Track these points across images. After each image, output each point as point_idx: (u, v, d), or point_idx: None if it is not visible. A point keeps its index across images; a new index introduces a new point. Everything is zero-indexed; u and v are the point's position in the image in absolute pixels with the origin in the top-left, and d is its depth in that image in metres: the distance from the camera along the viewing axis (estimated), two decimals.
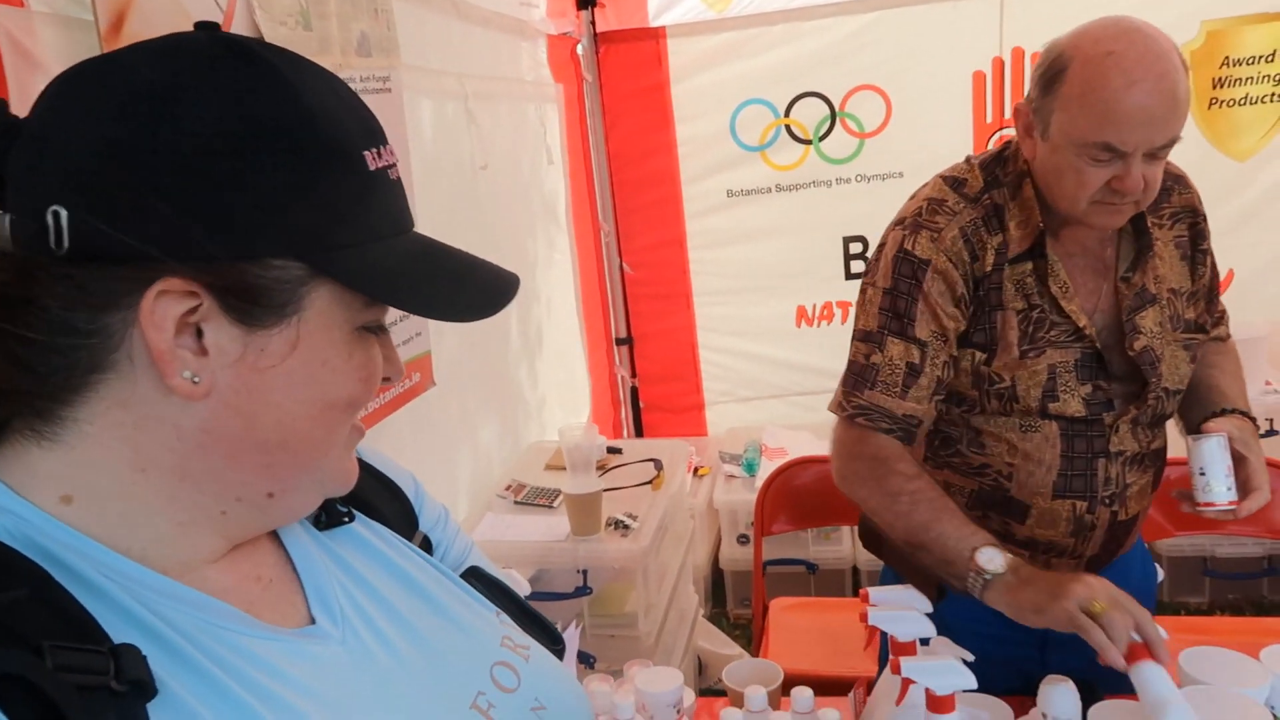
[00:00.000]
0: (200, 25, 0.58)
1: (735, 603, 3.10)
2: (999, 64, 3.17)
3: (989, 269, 1.32)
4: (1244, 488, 1.25)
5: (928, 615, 1.19)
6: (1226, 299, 1.50)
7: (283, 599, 0.63)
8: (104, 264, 0.52)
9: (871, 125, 3.29)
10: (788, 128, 3.33)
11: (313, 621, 0.62)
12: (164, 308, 0.53)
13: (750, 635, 2.27)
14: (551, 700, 0.71)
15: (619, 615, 2.05)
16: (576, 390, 3.32)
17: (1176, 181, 1.38)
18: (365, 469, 0.76)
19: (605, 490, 2.09)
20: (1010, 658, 1.30)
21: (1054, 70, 1.24)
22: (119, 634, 0.51)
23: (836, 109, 3.29)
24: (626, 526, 2.06)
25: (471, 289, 0.63)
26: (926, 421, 1.36)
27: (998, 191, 1.34)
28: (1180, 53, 1.21)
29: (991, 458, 1.38)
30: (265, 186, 0.53)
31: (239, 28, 1.44)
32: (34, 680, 0.45)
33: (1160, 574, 1.57)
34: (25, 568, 0.51)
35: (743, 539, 2.99)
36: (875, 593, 1.24)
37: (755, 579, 2.26)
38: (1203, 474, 1.26)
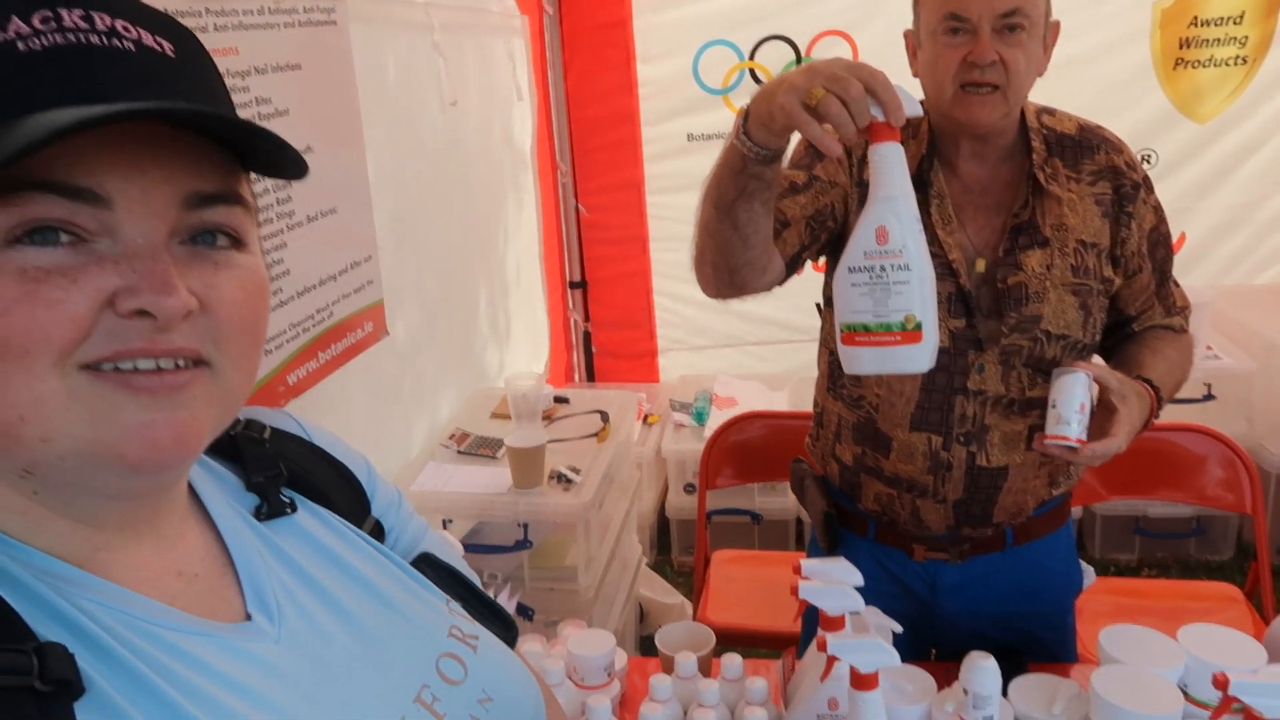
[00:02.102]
0: None
1: (680, 550, 3.13)
2: None
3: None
4: (1101, 434, 1.24)
5: (858, 589, 1.20)
6: (1175, 262, 1.48)
7: (213, 593, 0.60)
8: None
9: None
10: (752, 71, 3.25)
11: (248, 618, 0.59)
12: None
13: (694, 582, 2.29)
14: (499, 691, 0.69)
15: (559, 568, 2.04)
16: (537, 335, 3.28)
17: (1105, 143, 1.40)
18: (316, 453, 0.74)
19: (549, 442, 2.07)
20: (897, 612, 1.32)
21: None
22: (44, 630, 0.48)
23: (802, 54, 3.22)
24: (569, 480, 2.04)
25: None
26: (784, 239, 1.35)
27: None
28: None
29: (865, 389, 1.44)
30: None
31: None
32: None
33: (1091, 577, 1.57)
34: None
35: (689, 488, 3.00)
36: (807, 565, 1.24)
37: (698, 532, 2.27)
38: (1054, 406, 1.25)
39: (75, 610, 0.50)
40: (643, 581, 2.65)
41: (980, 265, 1.36)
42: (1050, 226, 1.35)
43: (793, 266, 1.38)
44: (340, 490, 0.74)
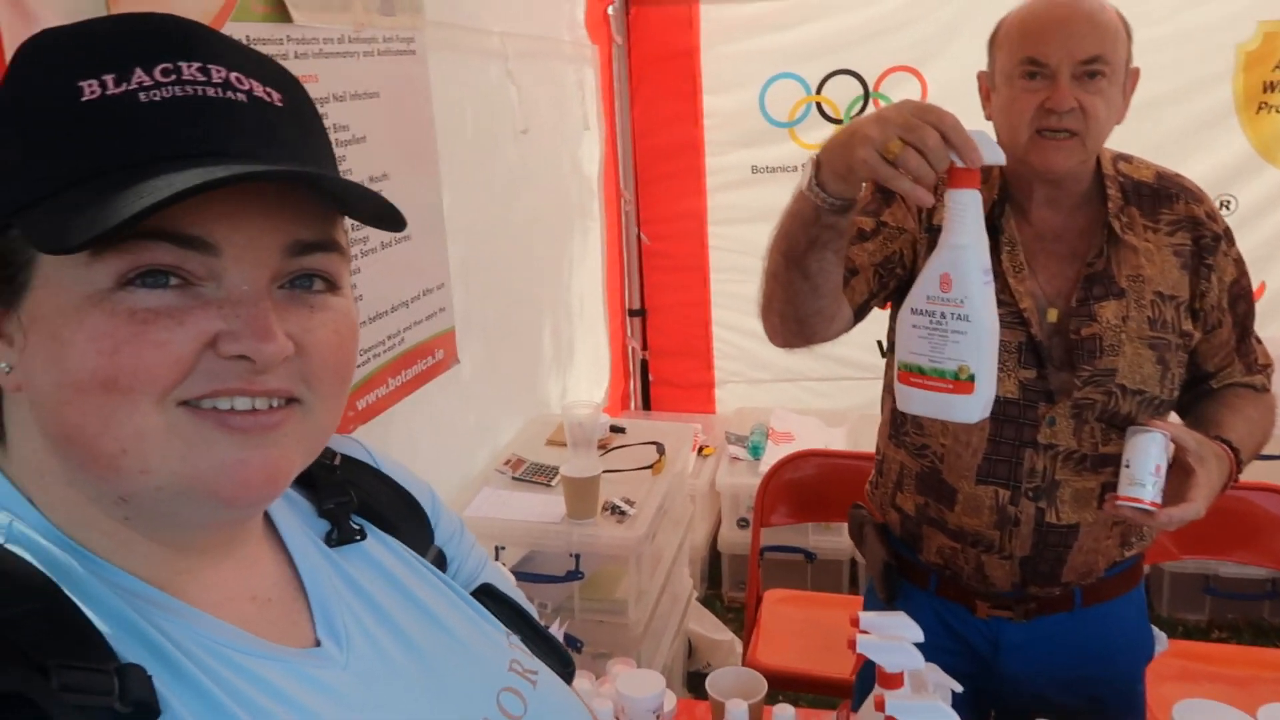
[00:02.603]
0: None
1: (731, 585, 3.09)
2: None
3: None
4: (1177, 497, 1.20)
5: (917, 645, 1.17)
6: (1255, 312, 1.42)
7: (285, 619, 0.61)
8: None
9: None
10: (819, 105, 3.24)
11: (318, 644, 0.60)
12: None
13: (744, 620, 2.26)
14: None
15: (609, 601, 2.03)
16: (599, 362, 3.30)
17: (1184, 191, 1.36)
18: (384, 481, 0.75)
19: (604, 472, 2.07)
20: (956, 669, 1.28)
21: (994, 30, 1.34)
22: (124, 649, 0.50)
23: (870, 89, 3.20)
24: (623, 512, 2.03)
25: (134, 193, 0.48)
26: (852, 287, 1.35)
27: None
28: (1119, 11, 1.28)
29: (929, 438, 1.41)
30: None
31: None
32: (36, 700, 0.44)
33: (1164, 643, 1.51)
34: (37, 580, 0.49)
35: (742, 522, 2.97)
36: (865, 618, 1.21)
37: (751, 570, 2.25)
38: (1127, 466, 1.22)
39: (155, 631, 0.51)
40: (692, 616, 2.63)
41: (1052, 315, 1.33)
42: (1126, 277, 1.31)
43: (860, 314, 1.37)
44: (406, 519, 0.74)
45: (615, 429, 2.50)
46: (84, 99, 0.50)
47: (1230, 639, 2.80)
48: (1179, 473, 1.22)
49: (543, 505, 2.05)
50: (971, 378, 1.04)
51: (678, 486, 2.43)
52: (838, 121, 3.24)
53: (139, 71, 0.50)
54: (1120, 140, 1.37)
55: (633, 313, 3.53)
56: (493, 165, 2.31)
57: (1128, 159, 1.38)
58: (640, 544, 1.98)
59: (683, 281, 3.48)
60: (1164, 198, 1.34)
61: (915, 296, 1.07)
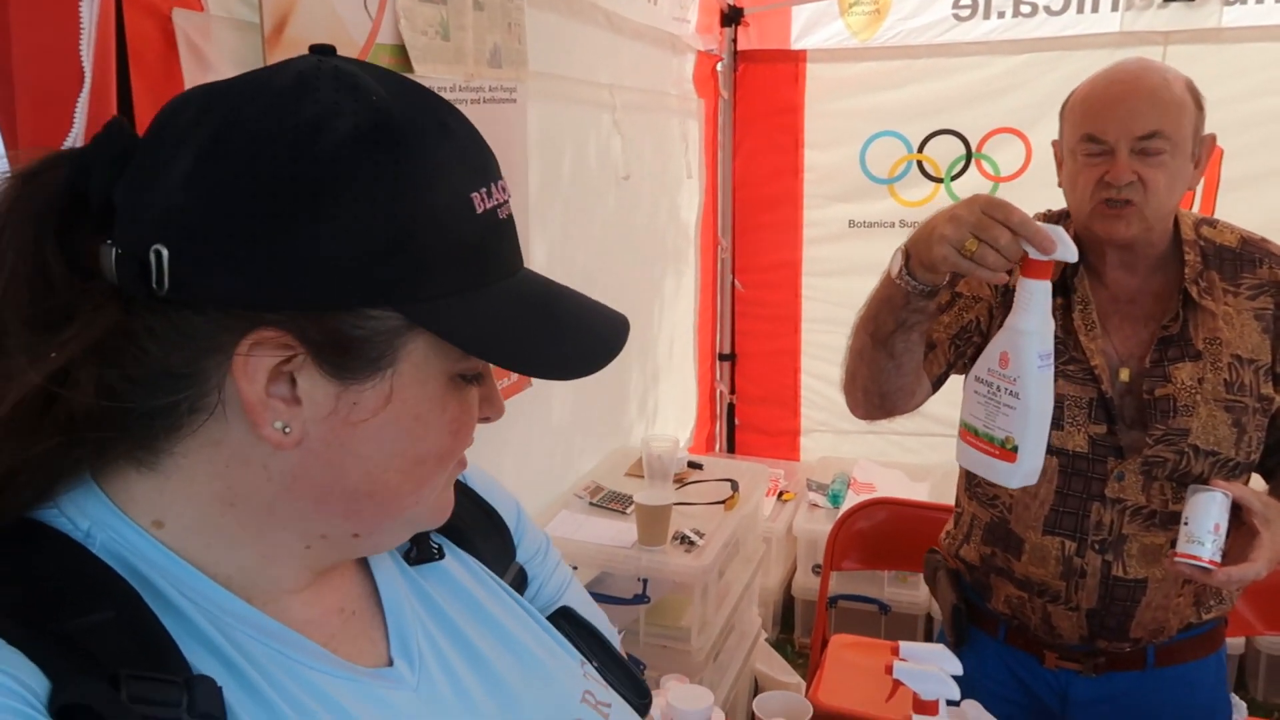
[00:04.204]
0: (315, 49, 0.55)
1: (802, 631, 3.10)
2: None
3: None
4: (1239, 558, 1.20)
5: (955, 678, 1.20)
6: None
7: (362, 635, 0.62)
8: (201, 309, 0.51)
9: (1008, 169, 3.20)
10: (919, 164, 3.28)
11: (390, 663, 0.61)
12: (257, 359, 0.51)
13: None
14: None
15: (674, 627, 2.09)
16: (685, 403, 3.37)
17: (1269, 256, 1.37)
18: (467, 495, 0.76)
19: (676, 504, 2.14)
20: None
21: (1064, 103, 1.38)
22: (197, 660, 0.51)
23: (973, 149, 3.23)
24: (691, 542, 2.10)
25: (577, 342, 0.59)
26: (930, 360, 1.40)
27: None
28: (1189, 83, 1.31)
29: (999, 489, 1.44)
30: (361, 234, 0.50)
31: (384, 36, 1.56)
32: (100, 711, 0.45)
33: (1243, 711, 1.47)
34: (117, 587, 0.51)
35: (817, 569, 2.97)
36: (906, 647, 1.25)
37: (818, 613, 2.27)
38: (1186, 524, 1.23)
39: (228, 642, 0.53)
40: (760, 656, 2.65)
41: (1124, 374, 1.35)
42: (1203, 340, 1.32)
43: (938, 385, 1.43)
44: (487, 537, 0.75)
45: (693, 465, 2.56)
46: (478, 212, 0.54)
47: None
48: (1245, 534, 1.23)
49: (615, 530, 2.13)
50: (1015, 449, 1.11)
51: (750, 525, 2.48)
52: (938, 180, 3.27)
53: (494, 188, 0.56)
54: (1250, 206, 1.38)
55: (723, 357, 3.61)
56: (592, 207, 2.44)
57: (1212, 224, 1.39)
58: (706, 574, 2.04)
59: (775, 330, 3.55)
60: (1246, 262, 1.35)
61: (979, 365, 1.15)
